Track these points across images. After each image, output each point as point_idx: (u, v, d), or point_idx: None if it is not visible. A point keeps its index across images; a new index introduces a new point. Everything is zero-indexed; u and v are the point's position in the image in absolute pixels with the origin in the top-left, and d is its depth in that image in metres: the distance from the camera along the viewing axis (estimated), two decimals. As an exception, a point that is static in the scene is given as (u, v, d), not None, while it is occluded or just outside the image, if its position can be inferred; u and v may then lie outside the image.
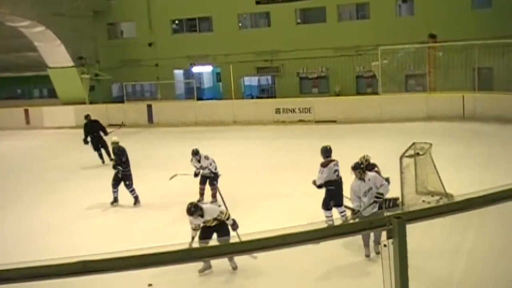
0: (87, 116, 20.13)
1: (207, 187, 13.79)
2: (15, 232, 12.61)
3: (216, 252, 1.97)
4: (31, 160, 20.64)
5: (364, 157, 11.45)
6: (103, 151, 19.20)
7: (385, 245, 2.15)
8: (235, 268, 9.43)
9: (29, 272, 2.25)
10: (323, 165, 11.27)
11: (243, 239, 1.99)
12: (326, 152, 11.48)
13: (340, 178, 11.33)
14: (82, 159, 19.61)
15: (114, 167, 14.07)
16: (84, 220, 13.15)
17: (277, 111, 26.64)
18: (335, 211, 11.31)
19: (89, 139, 19.41)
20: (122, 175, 13.87)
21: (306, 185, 11.73)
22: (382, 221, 2.07)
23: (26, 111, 31.04)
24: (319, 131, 22.76)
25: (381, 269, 2.41)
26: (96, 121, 20.13)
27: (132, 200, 14.01)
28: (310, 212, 11.57)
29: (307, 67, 30.94)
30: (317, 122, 25.44)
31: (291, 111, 26.43)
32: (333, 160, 11.38)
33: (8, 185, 17.51)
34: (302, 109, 26.24)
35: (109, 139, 16.87)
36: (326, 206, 11.22)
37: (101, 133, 19.55)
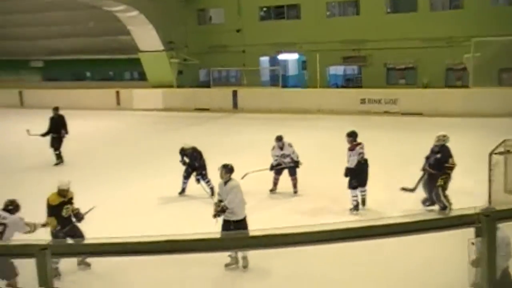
0: (56, 109, 18.02)
1: (287, 178, 13.49)
2: (100, 208, 12.96)
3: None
4: (120, 141, 21.32)
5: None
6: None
7: (472, 243, 2.13)
8: (245, 266, 9.01)
9: (121, 247, 2.37)
10: (351, 149, 11.83)
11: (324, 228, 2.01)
12: (352, 135, 11.99)
13: (366, 160, 11.97)
14: (168, 141, 20.06)
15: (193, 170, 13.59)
16: (159, 202, 13.38)
17: (362, 101, 26.32)
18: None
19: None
20: (200, 176, 13.42)
21: (388, 178, 11.56)
22: (471, 219, 2.04)
23: (117, 93, 32.37)
24: (404, 124, 22.27)
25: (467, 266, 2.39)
26: (62, 116, 17.95)
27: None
28: (395, 202, 11.48)
29: (395, 57, 30.27)
30: (403, 114, 24.91)
31: (376, 102, 26.04)
32: (359, 143, 11.93)
33: (96, 162, 18.29)
34: (388, 100, 25.78)
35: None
36: (351, 185, 11.85)
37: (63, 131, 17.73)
